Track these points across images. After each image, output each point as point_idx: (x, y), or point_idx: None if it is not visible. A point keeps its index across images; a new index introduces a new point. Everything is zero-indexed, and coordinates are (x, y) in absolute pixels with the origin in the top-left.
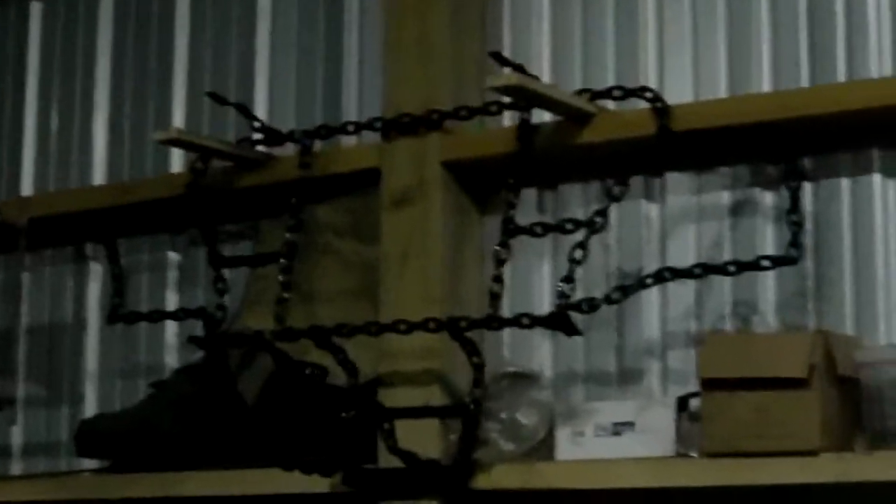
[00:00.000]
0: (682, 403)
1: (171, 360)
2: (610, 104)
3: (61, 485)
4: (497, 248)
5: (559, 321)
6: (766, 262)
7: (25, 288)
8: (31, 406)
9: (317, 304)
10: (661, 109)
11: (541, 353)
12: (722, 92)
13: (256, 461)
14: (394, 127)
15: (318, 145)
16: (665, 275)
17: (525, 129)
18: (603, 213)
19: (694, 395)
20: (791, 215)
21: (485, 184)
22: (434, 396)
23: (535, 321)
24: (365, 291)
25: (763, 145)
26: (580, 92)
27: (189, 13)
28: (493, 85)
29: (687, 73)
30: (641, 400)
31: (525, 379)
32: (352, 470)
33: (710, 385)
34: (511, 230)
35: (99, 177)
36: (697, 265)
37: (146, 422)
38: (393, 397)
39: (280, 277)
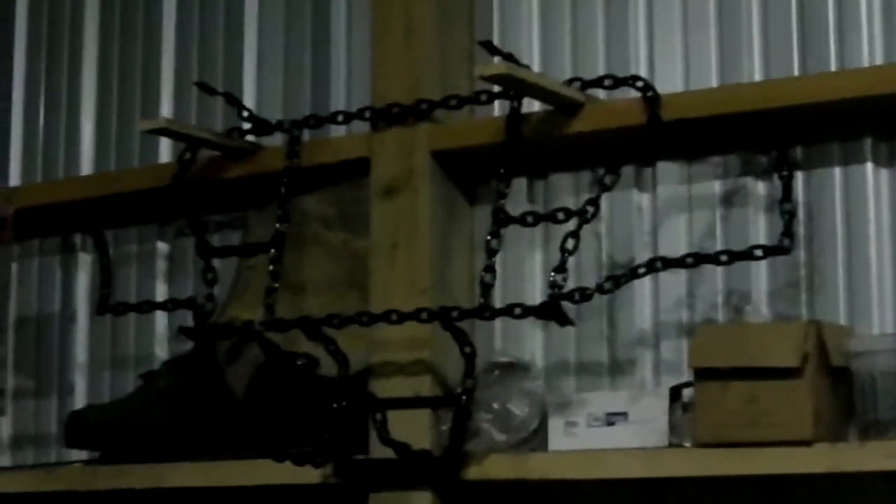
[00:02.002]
0: (675, 393)
1: (161, 351)
2: (600, 93)
3: (50, 476)
4: (488, 237)
5: (551, 311)
6: (758, 252)
7: (13, 279)
8: (20, 397)
9: (305, 295)
10: (651, 98)
11: (532, 343)
12: (713, 81)
13: (247, 452)
14: (383, 117)
15: (306, 135)
16: (657, 264)
17: (514, 119)
18: (594, 202)
19: (686, 385)
20: (783, 205)
21: (474, 173)
22: (425, 387)
23: (527, 311)
24: (354, 282)
25: (754, 134)
26: (570, 81)
27: (176, 2)
28: (483, 74)
29: (677, 62)
30: (634, 390)
31: (517, 369)
32: (343, 461)
33: (703, 375)
34: (502, 220)
35: (86, 167)
36: (689, 255)
37: (135, 413)
38: (383, 388)
39: (269, 268)
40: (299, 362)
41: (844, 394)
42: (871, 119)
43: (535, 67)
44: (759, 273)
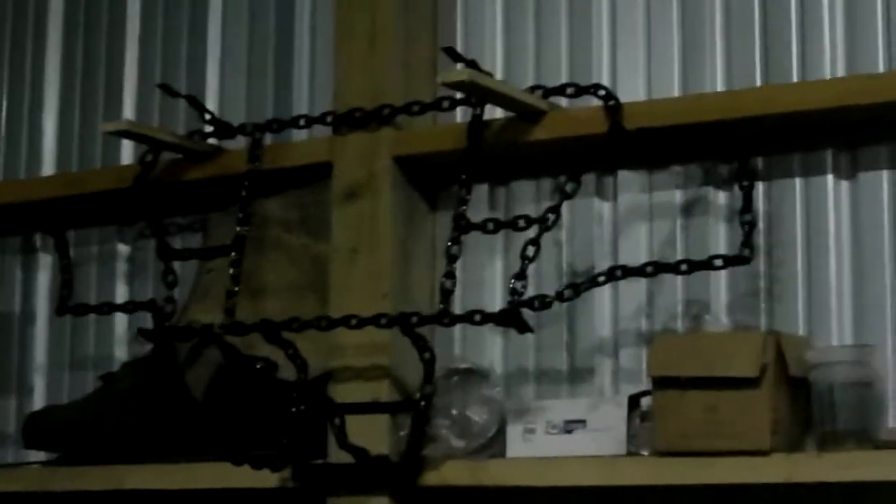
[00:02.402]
0: (634, 402)
1: (120, 353)
2: (562, 101)
3: (8, 477)
4: (449, 244)
5: (511, 318)
6: (718, 262)
7: None
8: None
9: (265, 298)
10: (613, 107)
11: (492, 350)
12: (675, 90)
13: (205, 455)
14: (345, 121)
15: (268, 138)
16: (617, 273)
17: (476, 125)
18: (555, 210)
19: (645, 393)
20: (743, 215)
21: (436, 179)
22: (383, 392)
23: (487, 318)
24: (313, 286)
25: (715, 144)
26: (532, 89)
27: (140, 4)
28: (445, 80)
29: (640, 71)
30: (593, 398)
31: (476, 376)
32: (301, 465)
33: (661, 384)
34: (463, 226)
35: (48, 167)
36: (649, 263)
37: (94, 414)
38: (342, 392)
39: (230, 271)
40: (258, 366)
41: (802, 404)
42: (832, 131)
43: (498, 74)
44: (719, 283)
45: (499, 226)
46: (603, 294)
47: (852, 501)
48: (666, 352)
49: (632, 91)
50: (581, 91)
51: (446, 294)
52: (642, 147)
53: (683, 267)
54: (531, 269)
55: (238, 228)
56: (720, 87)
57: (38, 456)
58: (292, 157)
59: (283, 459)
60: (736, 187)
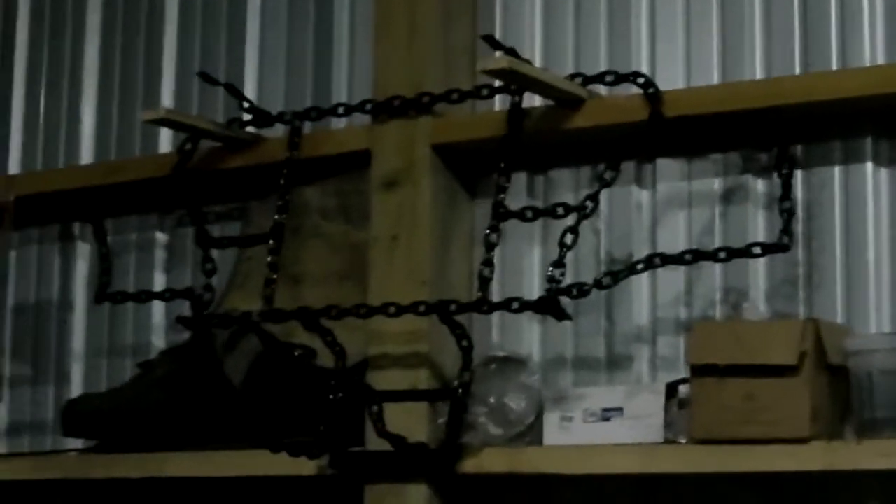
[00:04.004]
0: (672, 390)
1: (158, 341)
2: (602, 89)
3: (47, 464)
4: (487, 231)
5: (549, 306)
6: (757, 250)
7: (12, 266)
8: (17, 385)
9: (304, 286)
10: (652, 95)
11: (529, 337)
12: (714, 78)
13: (243, 443)
14: (384, 109)
15: (307, 127)
16: (655, 261)
17: (516, 113)
18: (594, 197)
19: (683, 381)
20: (783, 203)
21: (474, 167)
22: (421, 380)
23: (525, 306)
24: (352, 274)
25: (755, 132)
26: (572, 76)
27: None
28: (485, 68)
29: (679, 60)
30: (631, 386)
31: (514, 363)
32: (339, 452)
33: (700, 371)
34: (501, 214)
35: (86, 156)
36: (688, 251)
37: (132, 402)
38: (380, 380)
39: (268, 258)
40: (296, 353)
41: (841, 392)
42: (872, 118)
43: (537, 63)
44: (758, 271)
45: (537, 213)
46: (641, 282)
47: (891, 489)
48: (704, 339)
49: (671, 79)
50: (620, 79)
51: (484, 282)
52: (681, 135)
53: (722, 255)
54: (569, 257)
55: (277, 216)
56: (759, 75)
57: (77, 443)
58: (331, 145)
59: (321, 447)
60: (775, 175)
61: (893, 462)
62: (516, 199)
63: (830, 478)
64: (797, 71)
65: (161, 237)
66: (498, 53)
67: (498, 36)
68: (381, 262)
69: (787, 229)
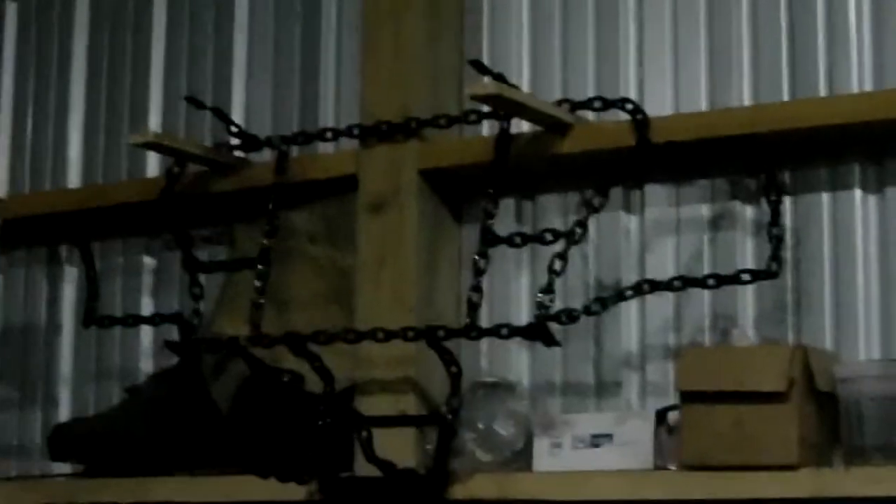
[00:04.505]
0: (661, 416)
1: (146, 365)
2: (590, 115)
3: (34, 488)
4: (476, 257)
5: (538, 332)
6: (746, 276)
7: None
8: (4, 408)
9: (291, 311)
10: (640, 121)
11: (518, 363)
12: (702, 104)
13: (231, 468)
14: (372, 134)
15: (294, 151)
16: (644, 287)
17: (503, 139)
18: (583, 223)
19: (672, 408)
20: (772, 229)
21: (462, 192)
22: (410, 405)
23: (514, 331)
24: (339, 298)
25: (743, 158)
26: (560, 102)
27: (165, 16)
28: (472, 93)
29: (667, 85)
30: (620, 412)
31: (502, 389)
32: (328, 478)
33: (689, 398)
34: (490, 239)
35: (74, 179)
36: (677, 278)
37: (120, 426)
38: (368, 405)
39: (256, 283)
40: (285, 378)
41: (830, 419)
42: (860, 145)
43: (525, 87)
44: (746, 297)
45: (526, 239)
46: (630, 308)
47: None
48: (694, 366)
49: (659, 105)
50: (608, 105)
51: (473, 307)
52: (669, 161)
53: (711, 281)
54: (557, 282)
55: (264, 240)
56: (747, 102)
57: (64, 468)
58: (318, 169)
59: (310, 472)
60: (763, 201)
61: (883, 489)
62: (504, 224)
63: None
64: (785, 97)
65: (149, 261)
66: (486, 78)
67: (485, 58)
68: (368, 287)
69: (776, 255)
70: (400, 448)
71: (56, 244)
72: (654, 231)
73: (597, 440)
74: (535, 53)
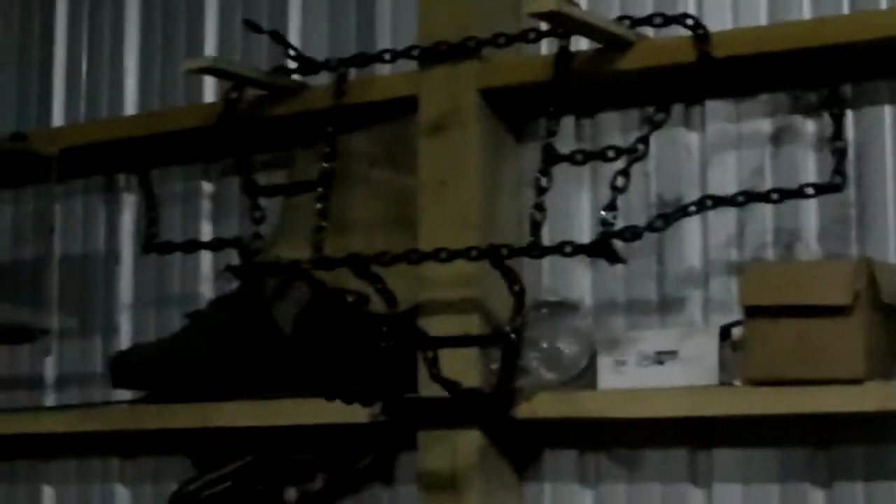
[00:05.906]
0: (725, 332)
1: (206, 291)
2: (649, 31)
3: (95, 416)
4: (538, 175)
5: (602, 249)
6: (809, 190)
7: (58, 219)
8: (65, 337)
9: (351, 234)
10: (701, 36)
11: (580, 282)
12: (762, 19)
13: (294, 391)
14: (430, 55)
15: (352, 73)
16: (707, 203)
17: (563, 57)
18: (645, 140)
19: (736, 323)
20: (834, 142)
21: (521, 112)
22: (473, 325)
23: (578, 249)
24: (399, 221)
25: (804, 72)
26: (620, 19)
27: None
28: (532, 11)
29: (726, 1)
30: (684, 329)
31: (565, 308)
32: (392, 399)
33: (753, 313)
34: (551, 157)
35: (130, 107)
36: (741, 193)
37: (181, 352)
38: (431, 326)
39: (316, 206)
40: (350, 299)
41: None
42: None
43: (585, 5)
44: (809, 211)
45: (588, 157)
46: (692, 224)
47: None
48: (757, 281)
49: (719, 20)
50: (669, 21)
51: (536, 226)
52: (730, 76)
53: (774, 196)
54: (619, 200)
55: (323, 164)
56: (807, 15)
57: (125, 395)
58: (377, 91)
59: (374, 394)
60: (824, 115)
61: None
62: (564, 142)
63: (885, 418)
64: (845, 10)
65: (207, 187)
66: None
67: None
68: (430, 208)
69: (839, 169)
70: (464, 368)
71: (114, 172)
72: (716, 147)
73: (661, 357)
74: None
